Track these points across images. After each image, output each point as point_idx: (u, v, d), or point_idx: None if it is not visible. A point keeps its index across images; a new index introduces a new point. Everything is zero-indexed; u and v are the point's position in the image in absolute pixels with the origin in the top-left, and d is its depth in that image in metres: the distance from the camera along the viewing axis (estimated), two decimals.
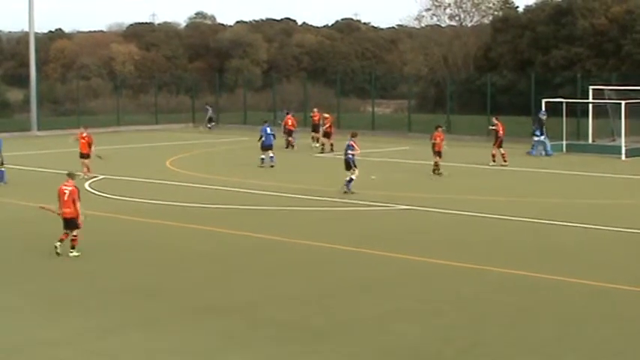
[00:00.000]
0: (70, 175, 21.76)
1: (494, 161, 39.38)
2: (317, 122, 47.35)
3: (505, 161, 39.11)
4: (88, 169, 35.23)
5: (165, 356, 14.29)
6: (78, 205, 21.21)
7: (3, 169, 34.72)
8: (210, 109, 62.04)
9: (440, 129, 36.67)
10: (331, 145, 44.48)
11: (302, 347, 14.59)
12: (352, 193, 30.35)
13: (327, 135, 44.98)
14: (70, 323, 16.03)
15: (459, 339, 14.93)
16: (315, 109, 49.15)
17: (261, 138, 39.49)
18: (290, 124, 46.92)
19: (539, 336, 14.98)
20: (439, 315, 16.30)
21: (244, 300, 17.43)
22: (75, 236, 21.34)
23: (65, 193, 21.32)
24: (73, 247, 21.35)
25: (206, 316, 16.32)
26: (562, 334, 15.20)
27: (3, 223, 26.19)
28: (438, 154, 35.96)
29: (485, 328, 15.50)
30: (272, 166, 38.45)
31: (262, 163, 38.93)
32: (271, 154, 38.98)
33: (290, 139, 46.34)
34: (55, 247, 21.28)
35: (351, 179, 30.91)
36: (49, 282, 19.18)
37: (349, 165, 31.39)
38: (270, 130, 39.72)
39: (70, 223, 21.32)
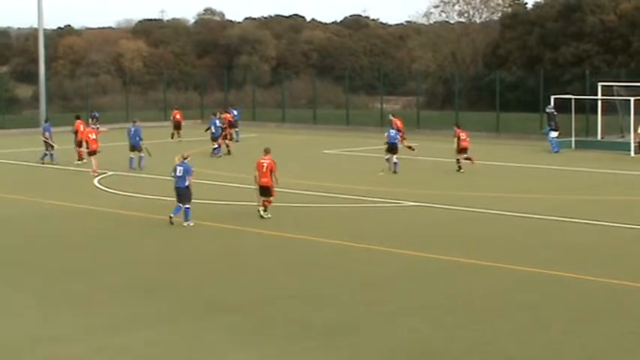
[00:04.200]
0: (267, 151, 25.59)
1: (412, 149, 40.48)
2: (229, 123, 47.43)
3: (412, 149, 40.59)
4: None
5: (174, 353, 14.28)
6: (275, 175, 25.11)
7: (142, 154, 37.17)
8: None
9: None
10: (227, 145, 43.50)
11: (310, 344, 14.57)
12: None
13: (225, 137, 43.78)
14: (76, 320, 16.03)
15: (469, 336, 14.89)
16: (175, 109, 51.92)
17: (209, 129, 42.45)
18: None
19: (549, 333, 14.94)
20: (449, 312, 16.27)
21: (252, 297, 17.42)
22: (270, 201, 25.23)
23: (263, 165, 25.21)
24: (265, 209, 25.23)
25: (213, 314, 16.31)
26: (572, 331, 15.16)
27: (8, 220, 26.24)
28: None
29: (494, 326, 15.46)
30: (219, 157, 41.09)
31: (217, 152, 41.45)
32: (216, 145, 41.44)
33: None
34: (259, 211, 25.25)
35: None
36: (53, 279, 19.19)
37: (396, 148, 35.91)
38: (220, 122, 42.56)
39: (266, 191, 25.19)
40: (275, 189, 25.41)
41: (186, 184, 24.42)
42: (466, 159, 36.18)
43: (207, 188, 31.73)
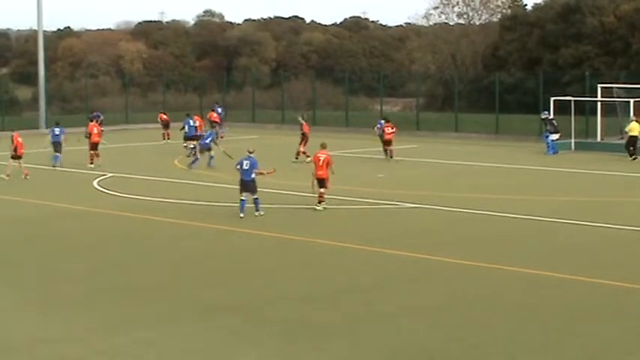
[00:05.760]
0: (323, 146, 27.66)
1: (296, 158, 40.08)
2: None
3: (308, 157, 39.88)
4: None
5: (173, 354, 14.28)
6: (331, 168, 27.16)
7: (213, 154, 38.21)
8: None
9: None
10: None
11: (311, 344, 14.58)
12: None
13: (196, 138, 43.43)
14: (76, 321, 16.01)
15: (468, 337, 14.90)
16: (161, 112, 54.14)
17: (183, 128, 43.08)
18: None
19: (547, 334, 14.95)
20: (448, 313, 16.28)
21: (251, 297, 17.42)
22: (323, 193, 27.01)
23: (320, 159, 27.23)
24: (319, 202, 26.98)
25: (213, 314, 16.31)
26: (570, 332, 15.17)
27: (8, 221, 26.24)
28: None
29: (492, 326, 15.47)
30: (191, 156, 40.75)
31: (191, 152, 41.55)
32: (192, 145, 41.35)
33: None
34: (317, 206, 26.87)
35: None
36: (53, 279, 19.18)
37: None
38: (193, 122, 42.85)
39: (322, 182, 27.12)
40: (330, 182, 27.29)
41: (252, 176, 26.05)
42: (385, 151, 40.16)
43: (204, 189, 31.78)
